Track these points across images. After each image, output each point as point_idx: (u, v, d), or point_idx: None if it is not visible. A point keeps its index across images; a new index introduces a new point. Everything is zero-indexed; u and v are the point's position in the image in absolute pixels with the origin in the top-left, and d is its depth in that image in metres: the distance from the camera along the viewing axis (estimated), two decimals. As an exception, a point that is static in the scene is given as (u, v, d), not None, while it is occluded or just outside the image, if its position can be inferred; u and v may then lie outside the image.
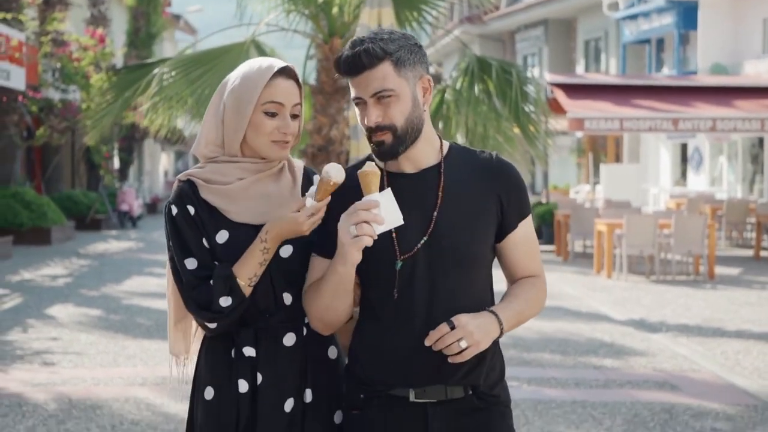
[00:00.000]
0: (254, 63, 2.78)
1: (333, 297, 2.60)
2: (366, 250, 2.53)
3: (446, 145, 2.71)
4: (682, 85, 20.55)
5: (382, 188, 2.56)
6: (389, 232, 2.55)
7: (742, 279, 14.90)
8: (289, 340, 2.75)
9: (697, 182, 27.82)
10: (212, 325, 2.69)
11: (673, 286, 14.16)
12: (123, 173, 32.73)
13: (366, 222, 2.46)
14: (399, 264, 2.59)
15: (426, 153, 2.64)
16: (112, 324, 10.49)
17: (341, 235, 2.49)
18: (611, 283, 14.37)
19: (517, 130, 8.76)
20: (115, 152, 31.15)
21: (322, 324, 2.70)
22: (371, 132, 2.57)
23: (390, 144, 2.57)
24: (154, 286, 13.76)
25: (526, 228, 2.69)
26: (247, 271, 2.66)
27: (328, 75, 9.18)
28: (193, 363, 2.89)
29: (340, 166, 2.58)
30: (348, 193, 2.60)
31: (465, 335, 2.48)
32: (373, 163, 2.54)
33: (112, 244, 22.04)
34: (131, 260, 18.07)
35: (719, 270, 15.85)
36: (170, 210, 2.78)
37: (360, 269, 2.59)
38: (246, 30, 9.64)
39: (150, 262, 17.54)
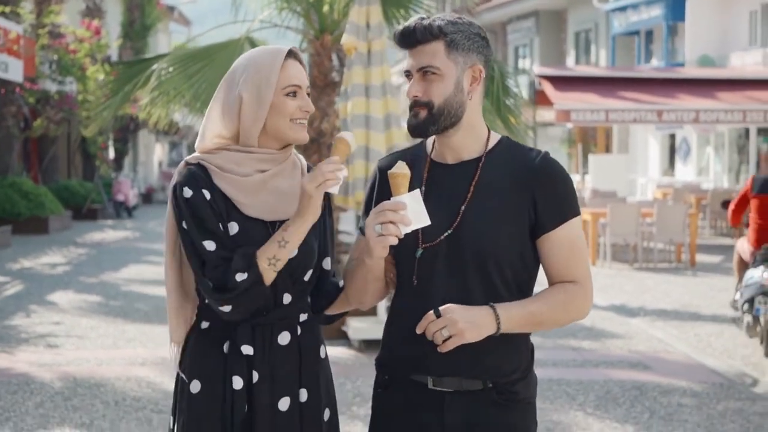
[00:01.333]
0: (260, 51, 2.80)
1: (364, 282, 2.69)
2: None
3: (495, 138, 2.69)
4: (667, 78, 20.96)
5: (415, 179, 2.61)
6: None
7: (722, 266, 15.33)
8: (284, 338, 2.75)
9: (685, 172, 28.24)
10: (226, 308, 2.64)
11: (656, 273, 14.60)
12: (118, 164, 33.08)
13: (392, 222, 2.50)
14: (420, 252, 2.62)
15: (468, 145, 2.65)
16: (111, 309, 10.90)
17: (368, 232, 2.53)
18: (595, 270, 14.78)
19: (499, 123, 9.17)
20: (111, 143, 31.49)
21: (359, 303, 2.79)
22: (411, 105, 2.62)
23: (423, 119, 2.60)
24: (152, 274, 14.16)
25: (567, 232, 2.61)
26: (268, 253, 2.63)
27: (320, 70, 9.58)
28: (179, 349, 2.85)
29: (402, 163, 2.60)
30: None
31: (449, 323, 2.49)
32: (404, 164, 2.56)
33: (108, 233, 22.42)
34: (128, 249, 18.46)
35: (701, 258, 16.28)
36: (182, 191, 2.70)
37: (391, 251, 2.63)
38: (238, 26, 10.03)
39: (146, 251, 17.93)
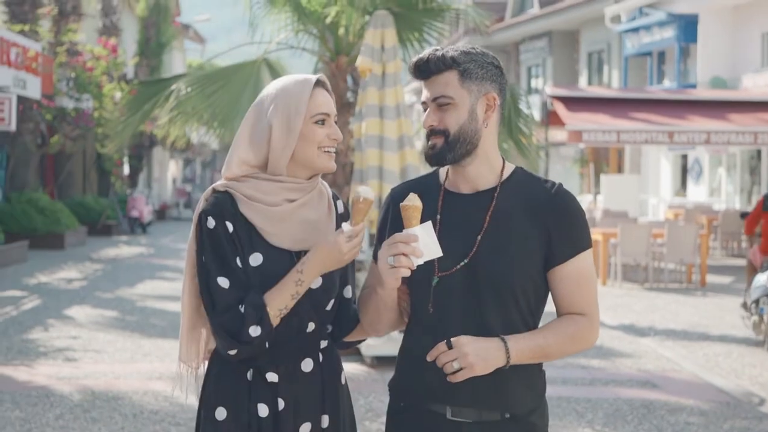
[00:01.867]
0: (289, 80, 2.81)
1: (377, 312, 2.71)
2: None
3: (510, 169, 2.72)
4: (678, 99, 21.08)
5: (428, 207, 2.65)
6: None
7: (732, 287, 15.43)
8: (307, 365, 2.77)
9: (697, 193, 28.31)
10: (233, 352, 2.65)
11: (665, 293, 14.70)
12: (133, 180, 33.33)
13: (404, 254, 2.53)
14: (435, 280, 2.64)
15: (483, 174, 2.68)
16: (127, 324, 11.06)
17: (380, 264, 2.56)
18: (606, 290, 14.91)
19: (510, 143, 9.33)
20: (126, 159, 31.75)
21: (374, 332, 2.82)
22: (428, 135, 2.66)
23: (440, 148, 2.63)
24: (167, 290, 14.33)
25: (578, 264, 2.64)
26: (279, 303, 2.65)
27: (335, 90, 9.75)
28: (200, 378, 2.87)
29: (368, 187, 2.69)
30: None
31: (459, 356, 2.50)
32: (416, 196, 2.59)
33: (123, 249, 22.62)
34: (143, 265, 18.64)
35: (712, 278, 16.38)
36: (206, 221, 2.72)
37: (405, 280, 2.66)
38: (253, 47, 10.22)
39: (161, 267, 18.11)
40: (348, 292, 2.90)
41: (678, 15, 27.62)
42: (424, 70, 2.64)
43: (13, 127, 18.42)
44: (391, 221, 2.77)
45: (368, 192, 2.64)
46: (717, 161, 27.85)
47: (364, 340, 2.97)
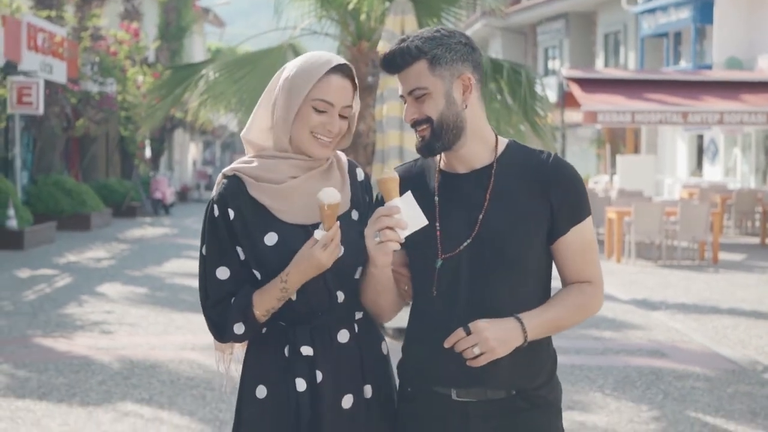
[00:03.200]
0: (314, 55, 2.74)
1: (375, 294, 2.70)
2: (412, 247, 2.63)
3: (503, 143, 2.67)
4: (692, 80, 21.36)
5: (412, 187, 2.62)
6: (434, 230, 2.60)
7: (744, 264, 15.77)
8: (343, 336, 2.74)
9: (713, 173, 28.58)
10: (220, 341, 2.76)
11: (678, 270, 15.06)
12: (155, 163, 33.83)
13: (389, 227, 2.52)
14: (439, 263, 2.61)
15: (477, 153, 2.64)
16: (158, 300, 11.52)
17: (367, 242, 2.56)
18: (620, 267, 15.29)
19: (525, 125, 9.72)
20: (147, 142, 32.26)
21: (375, 315, 2.80)
22: (414, 128, 2.62)
23: (428, 139, 2.60)
24: (193, 268, 14.78)
25: (581, 233, 2.62)
26: (265, 305, 2.67)
27: (357, 74, 10.11)
28: (239, 359, 2.88)
29: (331, 189, 2.59)
30: (409, 185, 2.65)
31: (480, 341, 2.49)
32: (393, 170, 2.64)
33: (147, 230, 23.11)
34: (168, 245, 19.12)
35: (725, 256, 16.72)
36: (212, 210, 2.74)
37: (409, 264, 2.70)
38: (274, 31, 10.64)
39: (186, 246, 18.58)
40: None
41: (694, -5, 27.87)
42: (393, 64, 2.60)
43: (40, 110, 18.89)
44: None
45: (330, 197, 2.57)
46: (732, 141, 28.09)
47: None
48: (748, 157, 27.62)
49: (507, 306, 2.57)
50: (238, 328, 2.68)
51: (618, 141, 34.35)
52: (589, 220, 2.65)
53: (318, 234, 2.59)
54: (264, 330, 2.75)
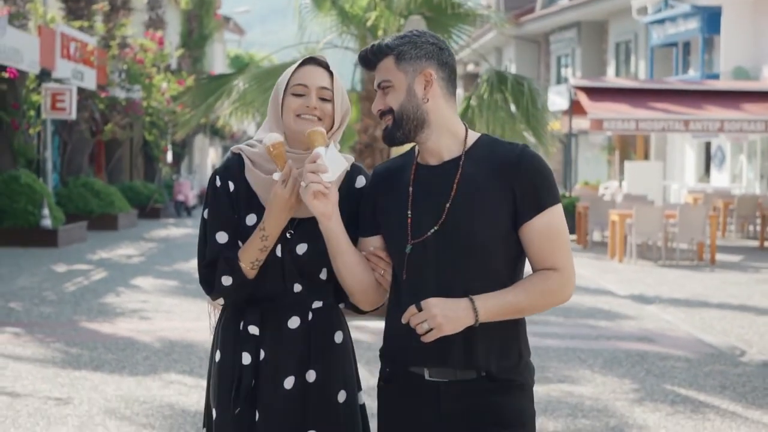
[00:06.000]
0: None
1: (332, 259, 2.89)
2: (388, 235, 2.84)
3: (473, 137, 2.81)
4: (695, 89, 22.21)
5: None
6: (405, 218, 2.77)
7: (740, 264, 16.63)
8: (294, 323, 2.97)
9: (720, 179, 29.34)
10: (220, 300, 3.03)
11: (677, 269, 15.92)
12: (176, 166, 34.85)
13: (311, 173, 2.75)
14: (409, 248, 2.76)
15: (446, 145, 2.78)
16: (189, 291, 12.46)
17: (300, 191, 2.80)
18: (622, 266, 16.15)
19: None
20: (169, 146, 33.26)
21: (349, 294, 2.96)
22: (380, 119, 2.81)
23: (390, 128, 2.78)
24: (219, 264, 15.70)
25: (546, 220, 2.71)
26: (249, 255, 2.90)
27: (373, 85, 11.09)
28: (212, 328, 3.17)
29: (273, 134, 2.87)
30: (387, 180, 2.89)
31: (428, 318, 2.61)
32: (321, 127, 2.86)
33: (171, 230, 24.09)
34: (192, 243, 20.00)
35: (723, 257, 17.56)
36: (215, 180, 3.01)
37: (386, 248, 2.88)
38: (294, 42, 11.61)
39: (210, 246, 19.50)
40: None
41: (702, 7, 28.56)
42: (367, 61, 2.83)
43: (73, 116, 19.90)
44: (371, 191, 2.95)
45: (270, 138, 2.85)
46: (738, 148, 28.86)
47: (377, 308, 3.06)
48: (753, 164, 28.40)
49: (474, 291, 2.69)
50: (226, 280, 2.90)
51: (628, 148, 35.14)
52: (555, 209, 2.73)
53: (276, 175, 2.87)
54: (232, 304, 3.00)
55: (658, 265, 16.42)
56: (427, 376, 2.76)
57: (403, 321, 2.67)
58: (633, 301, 12.22)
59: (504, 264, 2.75)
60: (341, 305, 3.09)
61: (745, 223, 22.22)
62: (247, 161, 2.98)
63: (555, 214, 2.74)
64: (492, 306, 2.66)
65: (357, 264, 2.87)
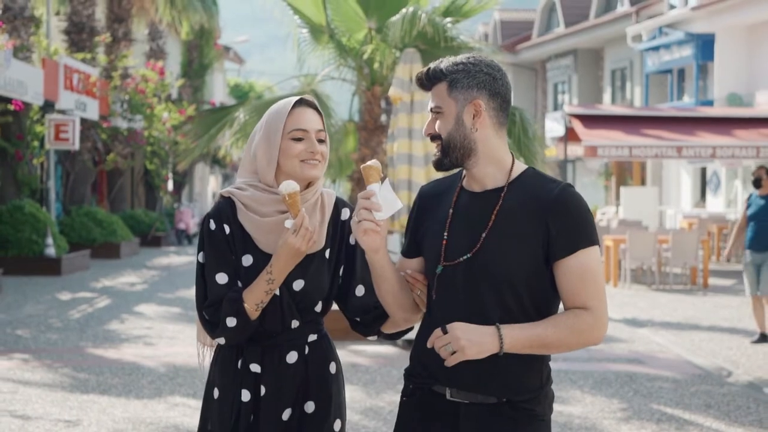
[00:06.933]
0: (279, 102, 3.09)
1: (376, 285, 2.94)
2: (425, 255, 2.90)
3: (519, 169, 2.83)
4: (688, 116, 22.58)
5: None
6: (441, 240, 2.82)
7: (732, 288, 16.91)
8: (292, 358, 3.05)
9: (715, 204, 29.65)
10: (220, 340, 3.04)
11: (670, 293, 16.21)
12: (177, 194, 35.18)
13: (365, 209, 2.77)
14: (440, 269, 2.81)
15: (490, 174, 2.81)
16: (191, 318, 12.73)
17: (351, 224, 2.85)
18: (616, 291, 16.45)
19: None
20: (170, 175, 33.61)
21: (394, 317, 3.02)
22: (430, 141, 2.86)
23: (439, 156, 2.83)
24: (220, 291, 15.99)
25: (580, 260, 2.71)
26: (254, 298, 2.95)
27: (371, 115, 11.45)
28: (207, 364, 3.25)
29: (289, 181, 2.91)
30: (431, 201, 2.95)
31: (452, 340, 2.64)
32: (374, 160, 2.86)
33: (173, 258, 24.38)
34: (194, 271, 20.32)
35: (716, 281, 17.86)
36: (209, 224, 3.05)
37: (422, 271, 2.93)
38: (291, 72, 11.99)
39: (211, 273, 19.79)
40: (360, 290, 3.13)
41: (695, 34, 28.97)
42: (423, 83, 2.89)
43: (76, 146, 20.24)
44: (415, 210, 3.01)
45: (288, 187, 2.89)
46: (733, 174, 29.20)
47: (407, 330, 3.15)
48: (748, 189, 28.73)
49: (495, 318, 2.72)
50: (230, 321, 2.95)
51: (625, 173, 35.50)
52: (591, 250, 2.74)
53: (288, 223, 2.91)
54: (224, 341, 3.06)
55: (651, 290, 16.71)
56: (448, 396, 2.81)
57: (429, 344, 2.72)
58: (626, 324, 12.50)
59: (531, 299, 2.77)
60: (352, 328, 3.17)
61: (740, 247, 22.48)
62: (239, 205, 3.03)
63: (590, 254, 2.74)
64: (519, 336, 2.68)
65: (400, 289, 2.92)
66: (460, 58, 2.82)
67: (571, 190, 2.76)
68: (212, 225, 3.02)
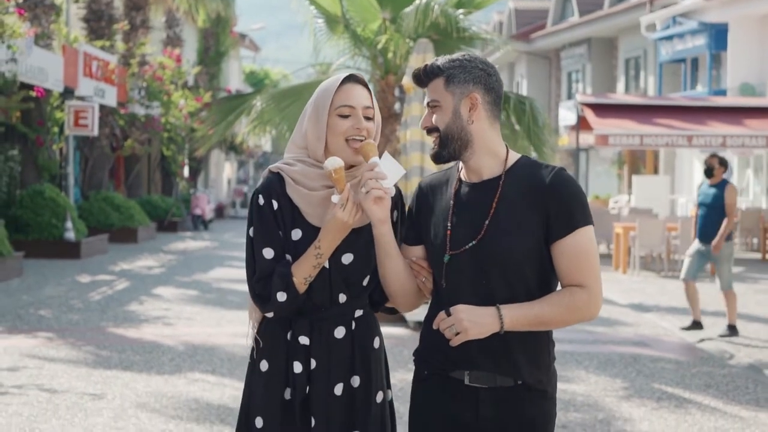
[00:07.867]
0: (329, 79, 3.14)
1: (380, 263, 3.03)
2: (429, 244, 3.00)
3: (514, 158, 2.96)
4: (699, 105, 22.78)
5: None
6: (445, 230, 2.94)
7: (741, 275, 17.14)
8: (340, 332, 3.09)
9: (727, 193, 29.76)
10: (269, 315, 3.05)
11: (678, 280, 16.39)
12: (193, 181, 35.52)
13: (371, 179, 2.89)
14: (447, 258, 2.92)
15: (488, 165, 2.94)
16: (209, 300, 13.09)
17: (359, 198, 2.92)
18: (625, 277, 16.71)
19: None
20: (186, 161, 33.94)
21: (391, 298, 3.12)
22: (427, 134, 2.98)
23: (437, 148, 2.95)
24: (236, 275, 16.33)
25: (576, 240, 2.84)
26: (302, 272, 2.99)
27: (384, 104, 11.74)
28: (250, 337, 3.22)
29: (333, 158, 2.94)
30: (431, 194, 3.06)
31: (455, 322, 2.78)
32: (370, 139, 3.01)
33: (189, 243, 24.73)
34: (211, 256, 20.72)
35: (725, 269, 18.06)
36: (257, 199, 3.07)
37: (428, 260, 3.03)
38: (308, 62, 12.27)
39: (228, 257, 20.17)
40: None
41: (709, 24, 29.08)
42: (420, 80, 3.00)
43: (95, 132, 20.59)
44: (416, 206, 3.11)
45: (333, 162, 2.94)
46: (745, 163, 29.36)
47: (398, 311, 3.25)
48: (760, 178, 28.89)
49: (506, 301, 2.86)
50: (281, 296, 2.99)
51: (638, 162, 35.66)
52: (586, 230, 2.88)
53: (335, 198, 2.96)
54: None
55: (660, 276, 16.96)
56: (467, 381, 2.92)
57: (435, 326, 2.85)
58: (632, 309, 12.78)
59: (535, 279, 2.90)
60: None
61: (749, 236, 22.72)
62: (288, 179, 3.06)
63: (585, 234, 2.88)
64: (518, 315, 2.81)
65: (403, 269, 3.01)
66: (456, 55, 2.96)
67: (565, 174, 2.89)
68: (261, 200, 3.06)
